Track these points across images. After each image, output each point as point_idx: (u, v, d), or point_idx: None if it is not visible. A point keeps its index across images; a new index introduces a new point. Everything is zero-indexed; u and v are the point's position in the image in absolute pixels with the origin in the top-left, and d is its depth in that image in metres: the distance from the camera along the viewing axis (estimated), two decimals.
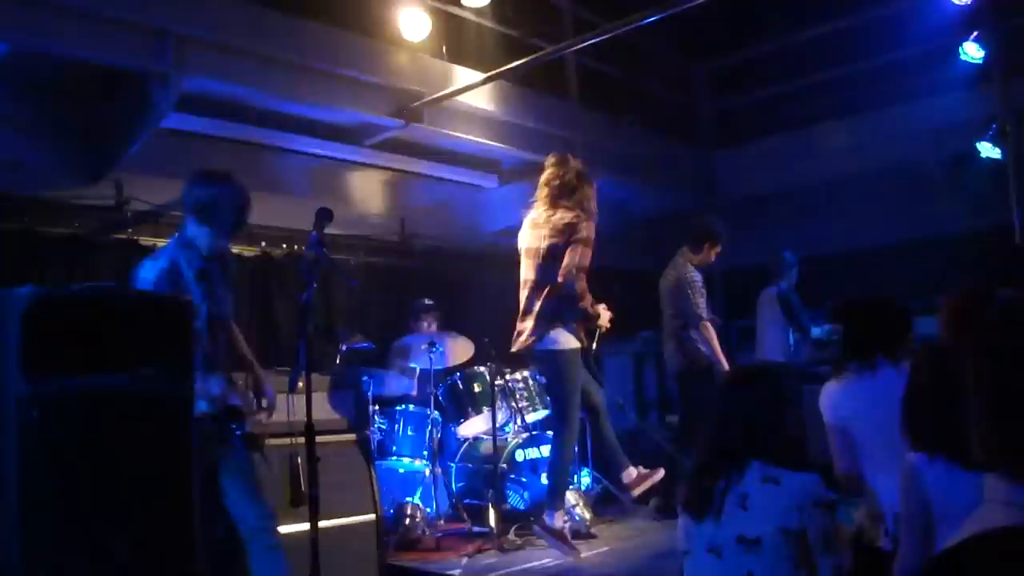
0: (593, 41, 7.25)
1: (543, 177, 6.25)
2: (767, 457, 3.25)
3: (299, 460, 4.96)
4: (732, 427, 3.36)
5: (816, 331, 8.34)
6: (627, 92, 10.39)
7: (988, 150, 8.40)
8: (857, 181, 9.59)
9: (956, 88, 8.97)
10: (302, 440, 4.51)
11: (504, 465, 7.21)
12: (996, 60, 8.52)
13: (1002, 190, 8.46)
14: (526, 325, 6.21)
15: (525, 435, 7.57)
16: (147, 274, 4.45)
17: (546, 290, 6.14)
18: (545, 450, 7.66)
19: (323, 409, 5.84)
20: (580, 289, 6.11)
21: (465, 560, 6.32)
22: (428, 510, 7.17)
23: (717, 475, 3.28)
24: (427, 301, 8.50)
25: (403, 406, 7.49)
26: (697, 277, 7.09)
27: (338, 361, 7.00)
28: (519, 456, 7.43)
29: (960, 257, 9.15)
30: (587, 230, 6.13)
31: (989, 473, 1.74)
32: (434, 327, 8.28)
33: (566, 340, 6.15)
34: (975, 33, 8.48)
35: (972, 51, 8.50)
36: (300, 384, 4.44)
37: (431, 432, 7.34)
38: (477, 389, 7.58)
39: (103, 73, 6.30)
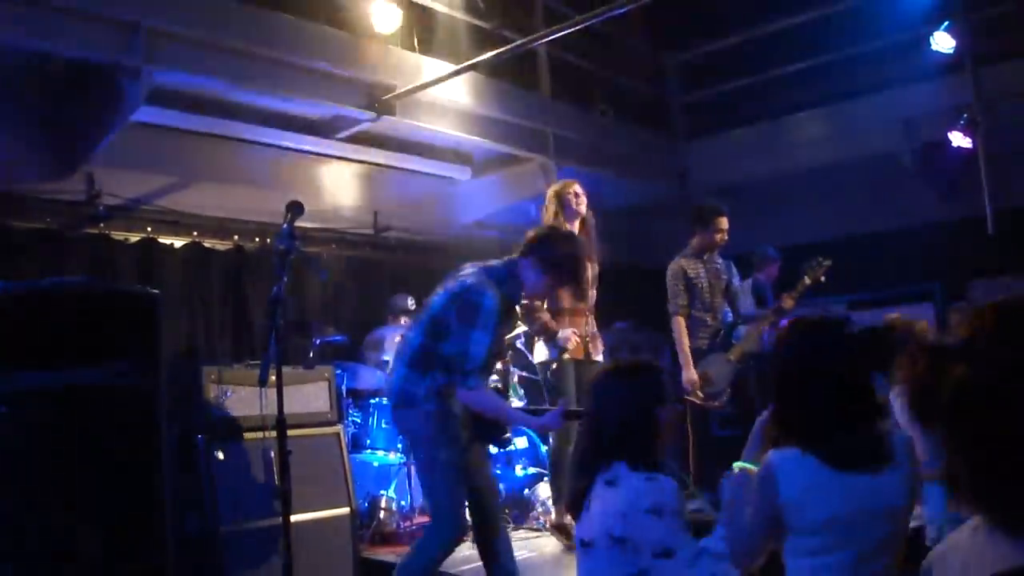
0: (564, 32, 7.24)
1: None
2: (630, 457, 3.12)
3: (272, 454, 4.95)
4: (608, 424, 3.23)
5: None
6: (599, 84, 10.39)
7: (959, 139, 8.44)
8: (828, 171, 9.62)
9: (927, 78, 9.01)
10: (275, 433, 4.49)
11: None
12: (966, 50, 8.56)
13: (973, 180, 8.51)
14: None
15: None
16: (491, 303, 4.43)
17: None
18: (519, 442, 7.68)
19: (300, 402, 5.82)
20: None
21: None
22: (403, 503, 7.17)
23: (592, 475, 3.17)
24: (409, 301, 8.41)
25: (377, 399, 7.48)
26: (679, 270, 6.92)
27: (311, 355, 6.99)
28: (493, 449, 7.43)
29: (931, 247, 9.21)
30: None
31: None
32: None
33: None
34: (945, 23, 8.52)
35: (943, 41, 8.54)
36: (272, 377, 4.42)
37: None
38: None
39: (73, 67, 6.25)
